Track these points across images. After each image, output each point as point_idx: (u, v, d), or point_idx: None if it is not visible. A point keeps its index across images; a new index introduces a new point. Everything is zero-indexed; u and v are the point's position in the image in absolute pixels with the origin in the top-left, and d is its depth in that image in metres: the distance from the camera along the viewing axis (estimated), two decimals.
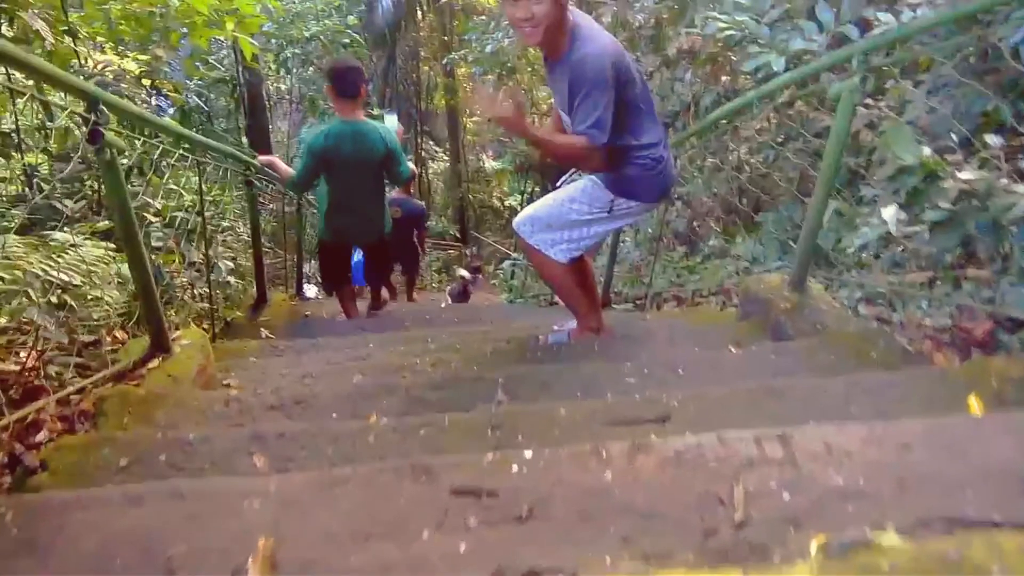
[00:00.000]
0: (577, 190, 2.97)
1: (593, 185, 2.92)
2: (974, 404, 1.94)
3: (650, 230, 6.62)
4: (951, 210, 2.26)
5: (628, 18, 7.12)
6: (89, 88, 2.07)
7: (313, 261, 9.01)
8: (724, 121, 4.16)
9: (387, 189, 5.09)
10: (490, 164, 24.51)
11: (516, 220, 3.02)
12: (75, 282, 2.86)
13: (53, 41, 3.13)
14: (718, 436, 1.48)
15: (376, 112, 9.16)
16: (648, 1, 7.17)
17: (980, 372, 2.01)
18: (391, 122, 4.76)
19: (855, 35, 5.23)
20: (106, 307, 2.88)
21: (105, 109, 2.15)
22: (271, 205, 8.00)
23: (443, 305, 6.78)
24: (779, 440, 1.46)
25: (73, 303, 2.81)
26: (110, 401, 2.07)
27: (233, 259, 5.21)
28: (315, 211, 6.17)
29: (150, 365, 2.51)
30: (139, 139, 2.92)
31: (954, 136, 2.60)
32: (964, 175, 2.24)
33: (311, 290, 7.41)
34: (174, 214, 3.50)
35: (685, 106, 6.60)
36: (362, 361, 3.01)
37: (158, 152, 3.07)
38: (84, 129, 2.10)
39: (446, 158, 24.59)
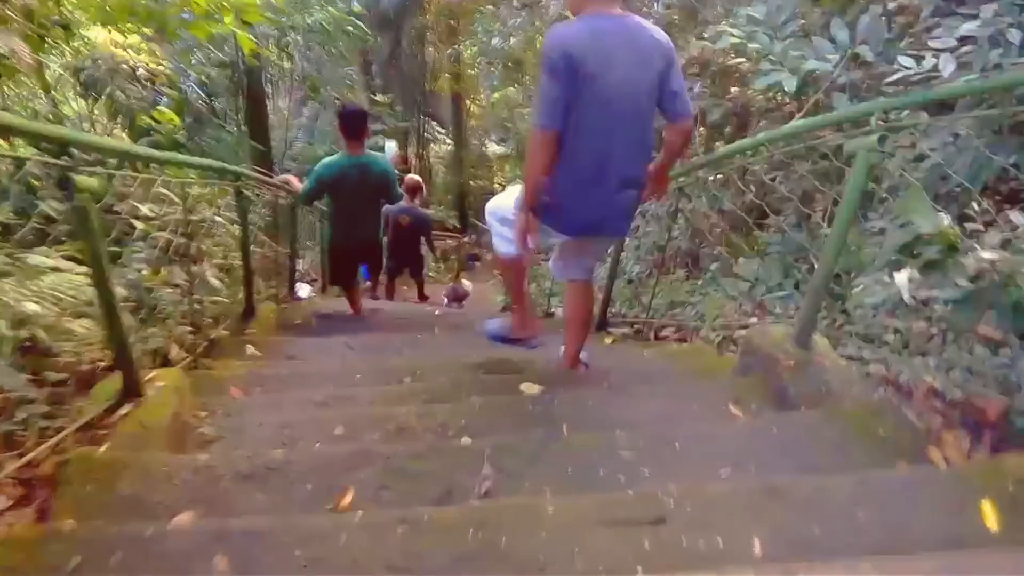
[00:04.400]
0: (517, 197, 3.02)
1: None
2: (988, 512, 1.84)
3: (649, 247, 6.50)
4: (970, 288, 2.13)
5: None
6: (57, 133, 1.93)
7: (306, 258, 8.95)
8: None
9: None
10: (493, 149, 24.21)
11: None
12: (49, 315, 2.74)
13: (31, 62, 2.97)
14: None
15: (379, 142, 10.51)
16: (657, 7, 7.00)
17: (995, 473, 1.89)
18: (390, 148, 5.49)
19: (871, 56, 5.08)
20: (80, 342, 2.75)
21: (77, 152, 2.01)
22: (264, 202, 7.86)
23: (437, 313, 6.65)
24: None
25: (45, 337, 2.69)
26: (71, 467, 1.95)
27: (222, 263, 5.07)
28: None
29: (121, 411, 2.39)
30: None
31: (974, 202, 2.48)
32: (987, 254, 2.11)
33: (304, 289, 7.27)
34: (157, 234, 3.36)
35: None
36: (345, 403, 2.89)
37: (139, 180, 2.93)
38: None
39: (448, 141, 24.33)
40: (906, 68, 3.13)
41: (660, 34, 2.83)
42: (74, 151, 2.00)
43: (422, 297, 9.18)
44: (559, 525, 1.67)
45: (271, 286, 6.26)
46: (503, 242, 3.24)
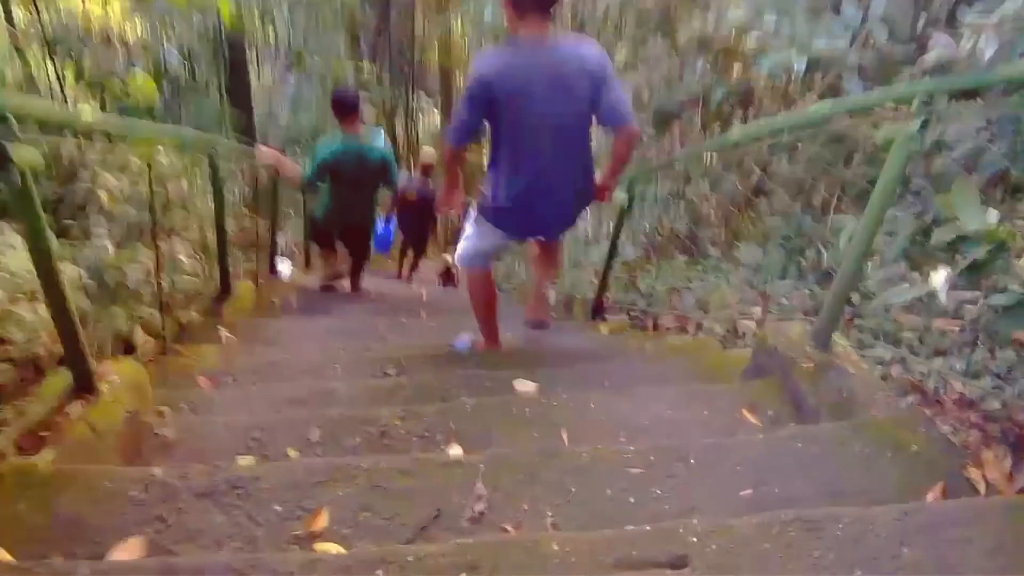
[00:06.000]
0: None
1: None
2: None
3: (645, 230, 6.27)
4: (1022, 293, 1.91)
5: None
6: None
7: (288, 233, 8.65)
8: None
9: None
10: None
11: None
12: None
13: None
14: None
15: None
16: None
17: None
18: (377, 134, 5.55)
19: (883, 37, 4.84)
20: (31, 329, 2.49)
21: (14, 121, 1.74)
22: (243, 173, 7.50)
23: (424, 296, 6.39)
24: None
25: None
26: (4, 481, 1.70)
27: (196, 239, 4.77)
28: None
29: (69, 411, 2.13)
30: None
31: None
32: None
33: (285, 265, 6.97)
34: (121, 208, 3.07)
35: (693, 98, 6.17)
36: (323, 401, 2.65)
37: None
38: None
39: (437, 112, 23.86)
40: (942, 48, 2.87)
41: (590, 54, 2.94)
42: (10, 118, 1.73)
43: (411, 271, 9.29)
44: (565, 567, 1.44)
45: (250, 261, 5.95)
46: (464, 252, 3.42)
